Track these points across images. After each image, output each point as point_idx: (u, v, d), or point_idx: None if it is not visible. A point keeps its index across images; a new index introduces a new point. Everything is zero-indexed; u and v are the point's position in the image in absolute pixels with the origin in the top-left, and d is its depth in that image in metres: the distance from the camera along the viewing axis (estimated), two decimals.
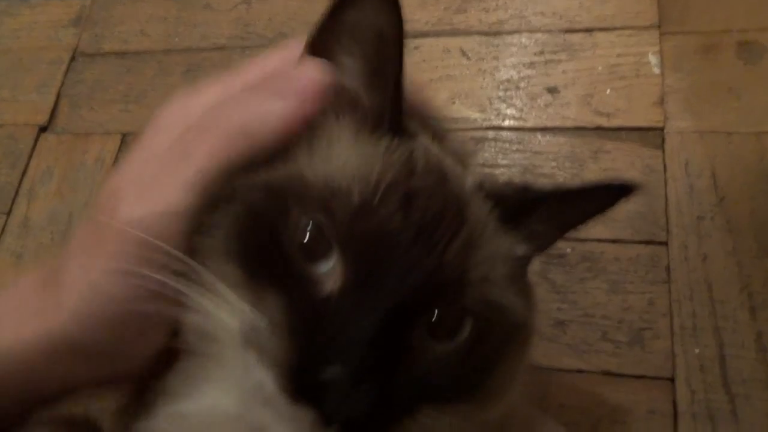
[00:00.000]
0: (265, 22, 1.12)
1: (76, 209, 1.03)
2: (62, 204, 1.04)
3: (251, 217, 0.44)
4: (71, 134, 1.10)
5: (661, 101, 0.89)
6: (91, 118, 1.11)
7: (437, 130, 0.53)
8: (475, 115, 0.95)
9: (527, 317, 0.51)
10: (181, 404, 0.48)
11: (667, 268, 0.80)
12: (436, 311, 0.44)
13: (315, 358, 0.40)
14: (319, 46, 0.48)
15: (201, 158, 0.44)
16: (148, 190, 0.44)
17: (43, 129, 1.11)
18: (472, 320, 0.45)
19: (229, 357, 0.44)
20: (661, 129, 0.87)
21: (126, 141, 1.07)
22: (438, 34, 1.02)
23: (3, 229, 1.04)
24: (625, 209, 0.84)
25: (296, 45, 0.48)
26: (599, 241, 0.83)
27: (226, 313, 0.42)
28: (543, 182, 0.87)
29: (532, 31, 0.99)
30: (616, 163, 0.87)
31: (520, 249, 0.51)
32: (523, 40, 0.98)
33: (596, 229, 0.83)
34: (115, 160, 1.05)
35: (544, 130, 0.92)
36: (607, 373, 0.76)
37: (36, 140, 1.10)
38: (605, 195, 0.52)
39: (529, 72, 0.96)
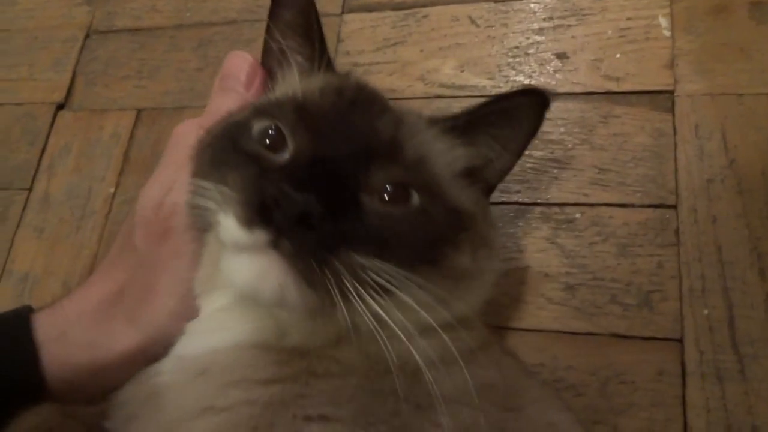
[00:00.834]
0: None
1: (94, 183, 1.05)
2: (81, 179, 1.06)
3: (223, 137, 0.59)
4: (87, 111, 1.12)
5: (672, 64, 0.88)
6: (106, 94, 1.13)
7: None
8: (484, 82, 0.95)
9: (477, 216, 0.61)
10: (180, 347, 0.58)
11: (677, 231, 0.80)
12: (377, 174, 0.53)
13: (262, 189, 0.49)
14: (271, 33, 0.66)
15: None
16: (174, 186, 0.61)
17: (60, 106, 1.14)
18: (418, 195, 0.55)
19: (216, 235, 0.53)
20: (671, 92, 0.87)
21: (140, 116, 1.08)
22: (446, 2, 1.01)
23: (25, 205, 1.06)
24: (634, 173, 0.84)
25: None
26: (608, 205, 0.83)
27: (212, 201, 0.53)
28: (548, 147, 0.88)
29: None
30: (625, 127, 0.87)
31: (466, 157, 0.62)
32: (532, 5, 0.98)
33: (606, 194, 0.84)
34: (131, 136, 1.07)
35: (553, 95, 0.91)
36: (616, 336, 0.77)
37: (54, 118, 1.13)
38: (524, 100, 0.62)
39: (537, 38, 0.96)
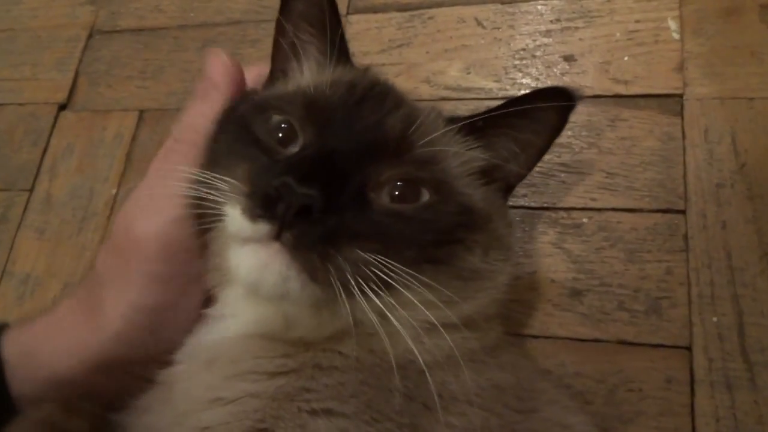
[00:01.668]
0: None
1: (96, 184, 1.04)
2: (83, 180, 1.05)
3: (236, 120, 0.59)
4: (90, 111, 1.11)
5: (681, 67, 0.87)
6: (109, 95, 1.12)
7: None
8: (491, 84, 0.94)
9: (491, 216, 0.59)
10: (197, 336, 0.58)
11: (685, 237, 0.79)
12: (385, 170, 0.53)
13: (268, 181, 0.49)
14: (281, 29, 0.65)
15: (176, 172, 0.56)
16: (150, 208, 0.58)
17: (62, 107, 1.13)
18: (428, 193, 0.55)
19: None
20: (680, 96, 0.86)
21: (143, 117, 1.08)
22: (453, 3, 1.00)
23: (26, 206, 1.06)
24: (642, 177, 0.83)
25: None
26: (616, 210, 0.82)
27: (219, 193, 0.52)
28: (557, 151, 0.87)
29: None
30: (633, 131, 0.86)
31: (483, 158, 0.61)
32: (539, 7, 0.97)
33: (613, 198, 0.83)
34: (133, 137, 1.06)
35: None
36: (624, 342, 0.76)
37: (56, 118, 1.12)
38: (547, 102, 0.59)
39: (545, 40, 0.95)
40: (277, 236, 0.48)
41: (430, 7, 1.01)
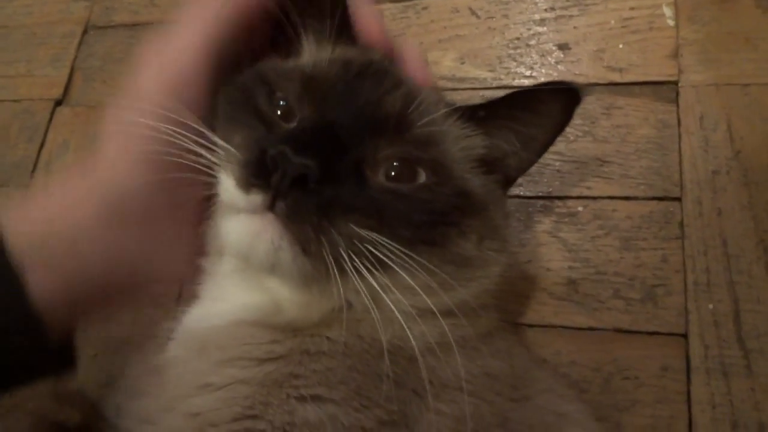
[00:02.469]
0: None
1: None
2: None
3: (240, 89, 0.58)
4: (85, 107, 1.11)
5: (676, 54, 0.86)
6: (104, 90, 1.12)
7: None
8: (485, 74, 0.93)
9: (488, 204, 0.59)
10: (187, 320, 0.58)
11: (681, 224, 0.78)
12: (383, 148, 0.53)
13: (264, 151, 0.48)
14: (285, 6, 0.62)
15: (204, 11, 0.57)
16: (165, 44, 0.57)
17: (58, 103, 1.13)
18: (424, 173, 0.54)
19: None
20: (675, 83, 0.85)
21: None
22: None
23: None
24: (638, 165, 0.82)
25: None
26: (611, 198, 0.82)
27: (218, 160, 0.52)
28: None
29: None
30: (628, 118, 0.85)
31: (481, 146, 0.60)
32: None
33: (609, 186, 0.82)
34: None
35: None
36: (620, 331, 0.76)
37: (52, 114, 1.12)
38: (551, 97, 0.58)
39: (539, 29, 0.94)
40: (270, 206, 0.48)
41: None
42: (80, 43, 1.17)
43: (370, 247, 0.48)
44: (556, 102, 0.59)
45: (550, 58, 0.92)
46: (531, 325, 0.78)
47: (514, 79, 0.92)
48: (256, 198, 0.48)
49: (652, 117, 0.84)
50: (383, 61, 0.62)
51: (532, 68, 0.92)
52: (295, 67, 0.60)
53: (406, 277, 0.49)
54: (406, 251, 0.49)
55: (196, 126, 0.53)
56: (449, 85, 0.94)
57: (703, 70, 0.85)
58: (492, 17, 0.97)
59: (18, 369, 0.52)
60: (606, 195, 0.82)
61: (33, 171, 1.08)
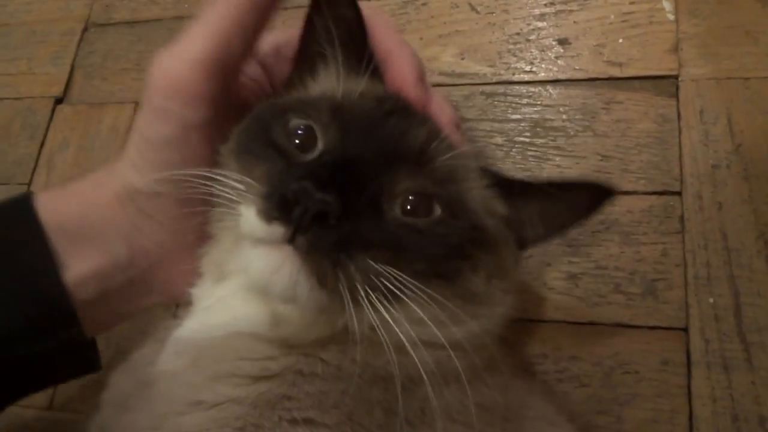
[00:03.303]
0: None
1: None
2: (80, 173, 1.05)
3: (255, 121, 0.59)
4: (86, 105, 1.11)
5: (676, 48, 0.86)
6: (104, 88, 1.12)
7: None
8: (485, 69, 0.93)
9: (501, 244, 0.60)
10: (179, 330, 0.58)
11: (681, 218, 0.78)
12: (401, 181, 0.53)
13: (286, 184, 0.49)
14: (308, 36, 0.65)
15: (211, 17, 0.57)
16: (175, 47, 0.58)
17: (59, 100, 1.13)
18: (441, 209, 0.55)
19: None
20: (676, 77, 0.85)
21: (139, 110, 1.07)
22: None
23: None
24: (638, 160, 0.82)
25: None
26: None
27: (232, 191, 0.52)
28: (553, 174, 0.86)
29: None
30: (628, 113, 0.85)
31: (502, 208, 0.61)
32: None
33: (609, 181, 0.82)
34: (129, 129, 1.06)
35: (555, 82, 0.90)
36: (620, 325, 0.76)
37: (52, 112, 1.12)
38: (586, 195, 0.60)
39: (539, 24, 0.94)
40: (290, 239, 0.47)
41: None
42: (80, 41, 1.17)
43: (385, 281, 0.48)
44: (589, 197, 0.61)
45: (550, 53, 0.92)
46: (532, 320, 0.78)
47: (513, 74, 0.92)
48: (277, 230, 0.47)
49: (652, 111, 0.84)
50: (412, 103, 0.63)
51: (532, 63, 0.92)
52: (322, 96, 0.60)
53: (417, 310, 0.49)
54: (420, 285, 0.49)
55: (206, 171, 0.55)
56: (449, 80, 0.94)
57: (704, 64, 0.85)
58: (492, 12, 0.97)
59: (55, 364, 0.55)
60: None
61: (34, 168, 1.08)
